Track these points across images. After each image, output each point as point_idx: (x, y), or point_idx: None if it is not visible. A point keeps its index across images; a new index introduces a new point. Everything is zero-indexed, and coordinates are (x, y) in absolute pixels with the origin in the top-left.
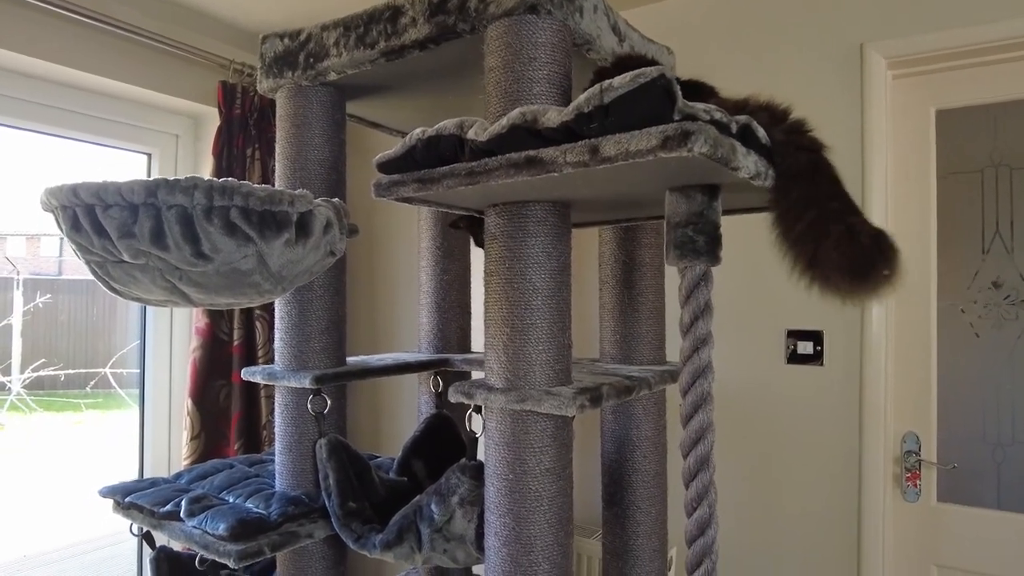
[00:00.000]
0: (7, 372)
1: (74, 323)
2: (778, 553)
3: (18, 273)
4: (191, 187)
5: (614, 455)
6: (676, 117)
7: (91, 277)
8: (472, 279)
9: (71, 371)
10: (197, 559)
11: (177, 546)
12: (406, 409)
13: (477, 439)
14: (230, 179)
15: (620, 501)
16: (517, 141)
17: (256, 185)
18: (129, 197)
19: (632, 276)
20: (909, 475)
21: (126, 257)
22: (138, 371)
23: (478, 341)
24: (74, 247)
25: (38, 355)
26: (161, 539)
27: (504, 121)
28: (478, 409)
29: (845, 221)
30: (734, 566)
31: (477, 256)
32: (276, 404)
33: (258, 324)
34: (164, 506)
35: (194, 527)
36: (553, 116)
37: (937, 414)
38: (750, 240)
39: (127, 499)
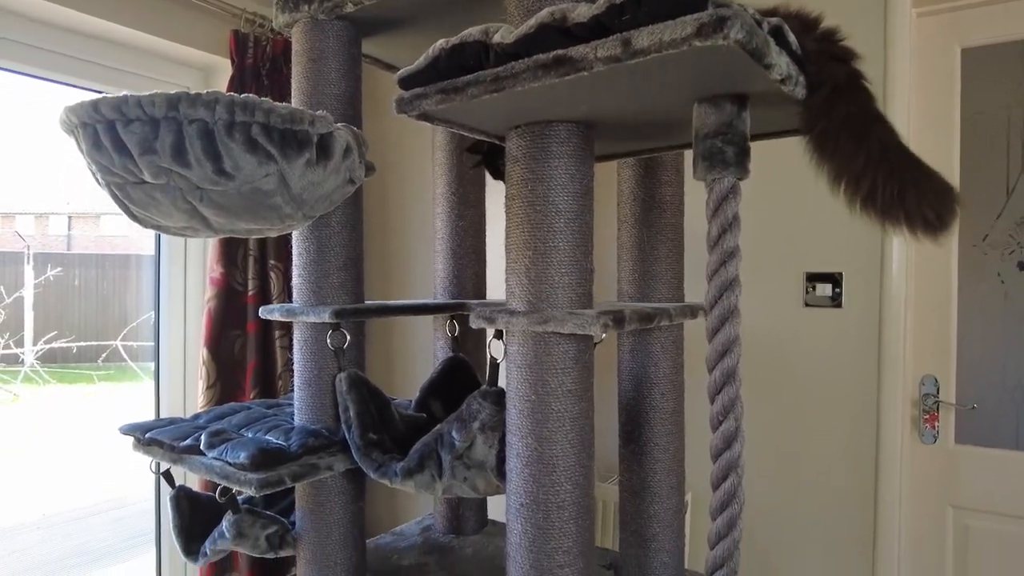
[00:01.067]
0: (20, 344)
1: (85, 296)
2: (795, 496)
3: (28, 247)
4: (212, 101)
5: (632, 394)
6: (709, 8)
7: (103, 247)
8: (487, 226)
9: (83, 343)
10: (217, 491)
11: (196, 484)
12: (420, 358)
13: (498, 365)
14: (251, 95)
15: (637, 439)
16: (545, 41)
17: (278, 103)
18: (150, 111)
19: (651, 215)
20: (927, 417)
21: (147, 177)
22: (153, 324)
23: (493, 288)
24: (94, 169)
25: (50, 328)
26: (180, 475)
27: (532, 21)
28: (499, 335)
29: (904, 148)
30: (751, 508)
31: (492, 203)
32: (295, 341)
33: (272, 275)
34: (184, 441)
35: (214, 458)
36: (583, 11)
37: (957, 356)
38: (767, 181)
39: (147, 435)
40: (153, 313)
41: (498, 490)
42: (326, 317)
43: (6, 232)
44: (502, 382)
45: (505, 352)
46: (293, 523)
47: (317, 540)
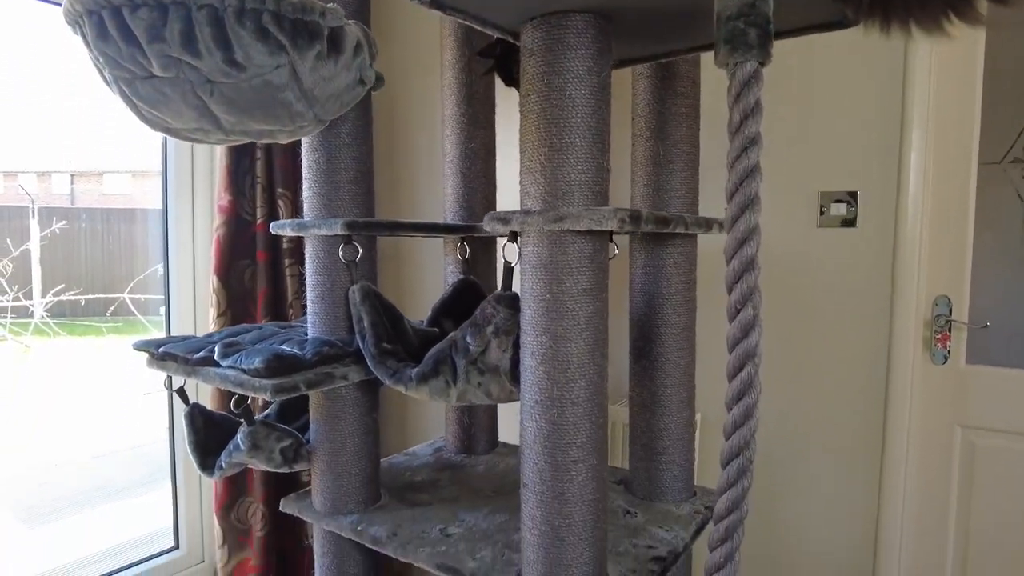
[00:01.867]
0: (29, 296)
1: (91, 250)
2: (805, 415)
3: (33, 202)
4: None
5: (644, 310)
6: None
7: (106, 205)
8: (497, 149)
9: (91, 296)
10: (232, 401)
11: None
12: (429, 284)
13: (512, 268)
14: None
15: (649, 354)
16: None
17: None
18: None
19: (666, 127)
20: (939, 337)
21: (156, 69)
22: (162, 257)
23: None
24: (101, 64)
25: (57, 281)
26: (191, 390)
27: None
28: (514, 237)
29: None
30: (761, 424)
31: (502, 127)
32: (307, 256)
33: (281, 203)
34: (197, 353)
35: (228, 367)
36: None
37: (972, 276)
38: (780, 99)
39: (160, 350)
40: (160, 267)
41: (511, 395)
42: (338, 229)
43: (9, 189)
44: (516, 287)
45: (519, 255)
46: (307, 439)
47: (332, 451)
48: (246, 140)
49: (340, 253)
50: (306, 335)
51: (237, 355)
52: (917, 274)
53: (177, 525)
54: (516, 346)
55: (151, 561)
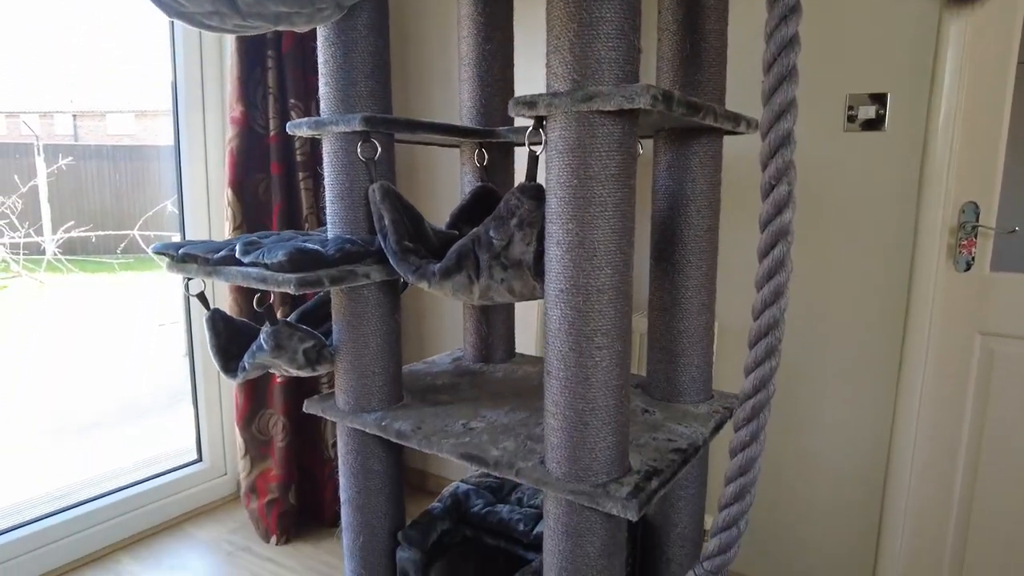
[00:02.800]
0: (40, 233)
1: (98, 187)
2: (825, 320)
3: (38, 139)
4: None
5: (666, 211)
6: None
7: (111, 142)
8: (515, 52)
9: (101, 233)
10: (255, 299)
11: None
12: (442, 202)
13: (536, 158)
14: None
15: (670, 256)
16: None
17: None
18: None
19: (696, 19)
20: (964, 243)
21: None
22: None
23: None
24: None
25: (67, 218)
26: (212, 295)
27: None
28: (539, 124)
29: None
30: None
31: (520, 30)
32: (324, 156)
33: (293, 114)
34: (218, 253)
35: (250, 264)
36: None
37: (1002, 181)
38: None
39: (180, 252)
40: (168, 203)
41: (534, 292)
42: (356, 125)
43: (12, 130)
44: (540, 178)
45: (545, 142)
46: (329, 343)
47: (355, 350)
48: (262, 27)
49: (359, 151)
50: (326, 239)
51: (259, 251)
52: (946, 179)
53: (199, 439)
54: (540, 239)
55: (175, 473)
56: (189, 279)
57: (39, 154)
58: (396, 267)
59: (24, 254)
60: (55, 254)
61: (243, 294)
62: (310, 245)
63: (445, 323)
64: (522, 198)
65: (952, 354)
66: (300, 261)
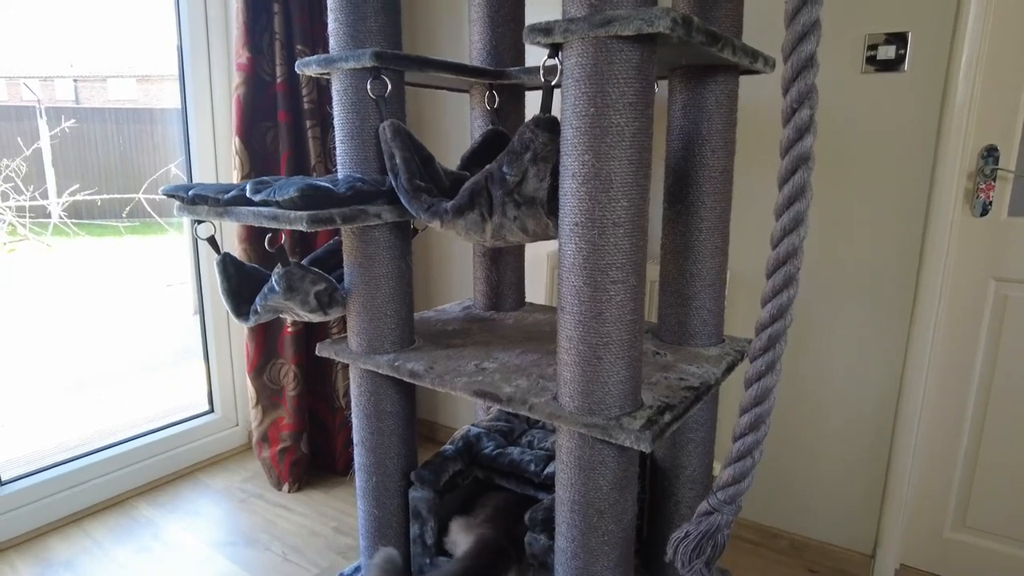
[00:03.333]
0: (45, 196)
1: (103, 150)
2: (840, 263)
3: (39, 101)
4: None
5: (681, 152)
6: None
7: (116, 101)
8: None
9: (106, 196)
10: (267, 240)
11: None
12: (452, 149)
13: (551, 89)
14: None
15: (684, 198)
16: None
17: None
18: None
19: None
20: (982, 188)
21: None
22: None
23: (532, 56)
24: None
25: (71, 181)
26: (224, 234)
27: None
28: (555, 52)
29: None
30: None
31: None
32: (333, 93)
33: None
34: (228, 193)
35: (261, 203)
36: None
37: (1023, 124)
38: None
39: (191, 193)
40: (173, 166)
41: (547, 230)
42: (366, 61)
43: (13, 96)
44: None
45: (560, 71)
46: (341, 287)
47: (367, 292)
48: None
49: (368, 88)
50: (337, 179)
51: (269, 190)
52: (966, 121)
53: (211, 391)
54: (554, 175)
55: (188, 423)
56: (199, 222)
57: (41, 117)
58: (407, 206)
59: (30, 217)
60: (61, 217)
61: (252, 245)
62: (321, 183)
63: (454, 274)
64: (536, 131)
65: (965, 300)
66: (312, 197)
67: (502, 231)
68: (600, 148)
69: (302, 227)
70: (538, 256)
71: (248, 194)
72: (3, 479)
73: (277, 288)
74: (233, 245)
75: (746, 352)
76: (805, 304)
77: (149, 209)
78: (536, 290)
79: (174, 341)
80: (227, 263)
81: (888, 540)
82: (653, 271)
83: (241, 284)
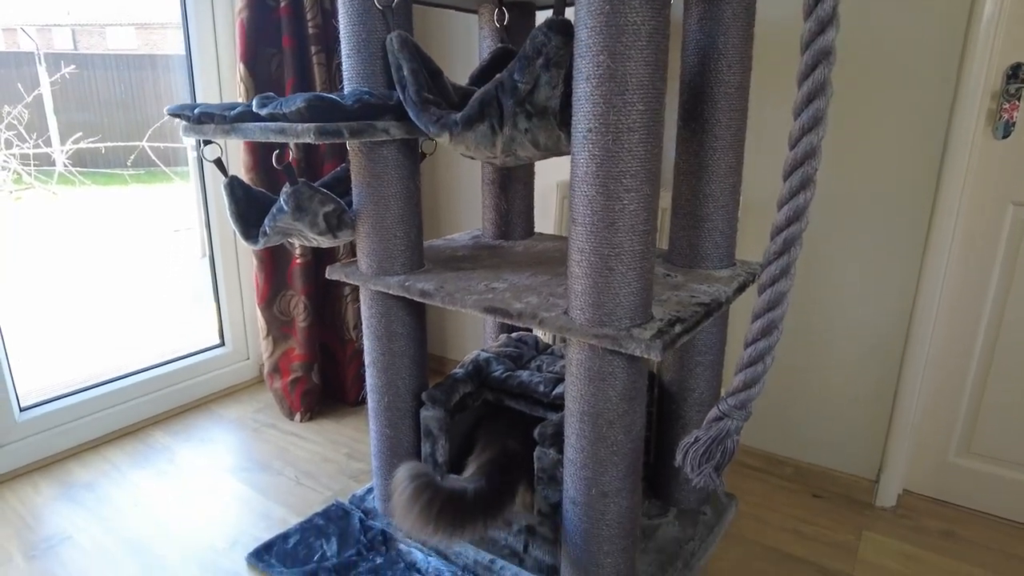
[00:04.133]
0: (48, 144)
1: (104, 97)
2: (854, 183)
3: (38, 48)
4: None
5: (696, 68)
6: None
7: (115, 50)
8: None
9: (110, 144)
10: (274, 156)
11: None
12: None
13: None
14: None
15: (699, 116)
16: None
17: None
18: None
19: None
20: (1006, 107)
21: None
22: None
23: None
24: None
25: (75, 129)
26: (230, 157)
27: None
28: None
29: None
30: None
31: None
32: (339, 4)
33: None
34: (234, 110)
35: (268, 116)
36: None
37: None
38: None
39: (196, 111)
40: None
41: (559, 143)
42: None
43: (11, 44)
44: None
45: None
46: (350, 210)
47: (376, 213)
48: None
49: None
50: (344, 94)
51: (276, 103)
52: (993, 38)
53: (221, 324)
54: (567, 82)
55: (200, 355)
56: (206, 143)
57: (40, 63)
58: (415, 119)
59: (35, 165)
60: (65, 166)
61: (259, 175)
62: (328, 95)
63: (462, 205)
64: (549, 34)
65: (982, 225)
66: (319, 109)
67: (513, 145)
68: (616, 48)
69: (310, 139)
70: (548, 186)
71: (255, 108)
72: (22, 406)
73: (286, 208)
74: (239, 176)
75: (757, 274)
76: (816, 229)
77: (154, 157)
78: (545, 222)
79: (184, 283)
80: (234, 185)
81: (892, 465)
82: (664, 199)
83: (249, 207)
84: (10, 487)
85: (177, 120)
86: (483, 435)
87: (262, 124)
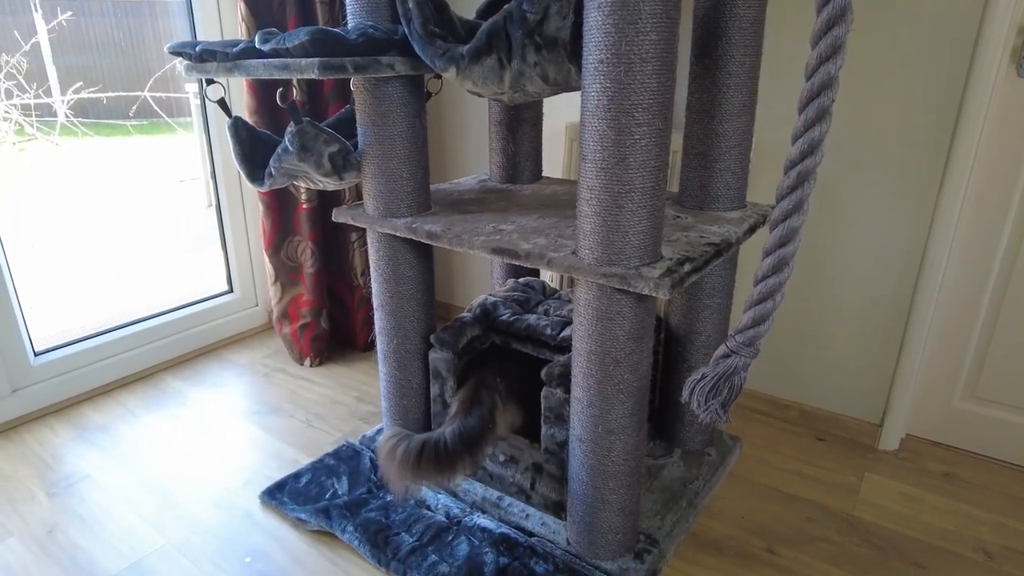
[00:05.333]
0: (48, 94)
1: (103, 45)
2: (870, 123)
3: None
4: None
5: (711, 1)
6: None
7: None
8: None
9: (111, 94)
10: (278, 94)
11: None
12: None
13: None
14: None
15: (712, 52)
16: None
17: None
18: None
19: None
20: None
21: None
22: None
23: None
24: None
25: (75, 79)
26: (234, 101)
27: None
28: None
29: None
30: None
31: None
32: None
33: None
34: (236, 47)
35: (271, 52)
36: None
37: None
38: None
39: (198, 49)
40: (177, 62)
41: (569, 78)
42: None
43: None
44: None
45: None
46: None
47: (382, 152)
48: None
49: None
50: (347, 29)
51: (279, 38)
52: None
53: (229, 272)
54: (578, 12)
55: (209, 302)
56: (208, 82)
57: (36, 10)
58: (421, 54)
59: (36, 116)
60: (67, 116)
61: (263, 118)
62: (332, 29)
63: (469, 149)
64: None
65: (1001, 166)
66: (323, 43)
67: (521, 79)
68: None
69: (313, 74)
70: (557, 129)
71: (257, 44)
72: (36, 350)
73: (291, 148)
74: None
75: (768, 217)
76: (829, 167)
77: (156, 108)
78: (554, 166)
79: (191, 231)
80: (239, 126)
81: (897, 409)
82: (675, 141)
83: (254, 148)
84: (28, 429)
85: (179, 59)
86: (468, 376)
87: (265, 60)
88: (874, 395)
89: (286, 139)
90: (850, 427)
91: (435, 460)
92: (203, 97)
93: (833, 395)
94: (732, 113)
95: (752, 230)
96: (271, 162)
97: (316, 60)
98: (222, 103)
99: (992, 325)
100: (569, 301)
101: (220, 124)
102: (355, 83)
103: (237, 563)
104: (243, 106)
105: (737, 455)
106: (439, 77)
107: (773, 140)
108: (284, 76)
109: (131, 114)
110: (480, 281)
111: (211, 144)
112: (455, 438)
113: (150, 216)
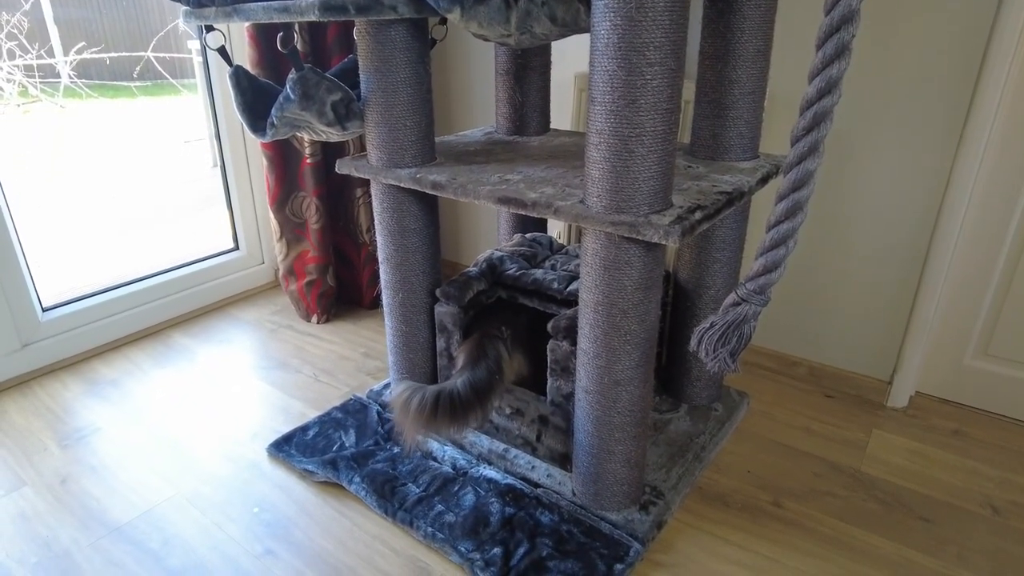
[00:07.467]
0: (50, 54)
1: (104, 4)
2: (890, 67)
3: None
4: None
5: None
6: None
7: None
8: None
9: (114, 55)
10: (279, 39)
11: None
12: None
13: None
14: None
15: None
16: None
17: None
18: None
19: None
20: None
21: None
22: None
23: None
24: None
25: (77, 39)
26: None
27: None
28: None
29: None
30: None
31: None
32: None
33: None
34: None
35: None
36: None
37: None
38: None
39: None
40: (180, 22)
41: (577, 17)
42: None
43: None
44: None
45: None
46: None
47: (385, 100)
48: None
49: None
50: None
51: None
52: None
53: (235, 229)
54: None
55: (215, 259)
56: (208, 29)
57: None
58: None
59: (40, 77)
60: (71, 77)
61: (265, 71)
62: None
63: (474, 102)
64: None
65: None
66: None
67: (528, 20)
68: None
69: (314, 16)
70: (565, 79)
71: None
72: (44, 306)
73: (292, 96)
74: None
75: (781, 167)
76: (843, 120)
77: (160, 69)
78: (562, 118)
79: (197, 191)
80: (240, 75)
81: (907, 366)
82: (687, 90)
83: (256, 98)
84: (39, 383)
85: (179, 4)
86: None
87: (264, 3)
88: (884, 352)
89: (288, 87)
90: (859, 384)
91: (450, 410)
92: (204, 47)
93: (843, 352)
94: (746, 59)
95: (765, 180)
96: (273, 111)
97: (316, 1)
98: (222, 51)
99: (1008, 280)
100: (577, 256)
101: (223, 82)
102: (357, 28)
103: (245, 513)
104: (245, 58)
105: (744, 411)
106: (444, 22)
107: (787, 90)
108: (284, 19)
109: (135, 75)
110: (487, 239)
111: (214, 102)
112: (467, 388)
113: (156, 177)
